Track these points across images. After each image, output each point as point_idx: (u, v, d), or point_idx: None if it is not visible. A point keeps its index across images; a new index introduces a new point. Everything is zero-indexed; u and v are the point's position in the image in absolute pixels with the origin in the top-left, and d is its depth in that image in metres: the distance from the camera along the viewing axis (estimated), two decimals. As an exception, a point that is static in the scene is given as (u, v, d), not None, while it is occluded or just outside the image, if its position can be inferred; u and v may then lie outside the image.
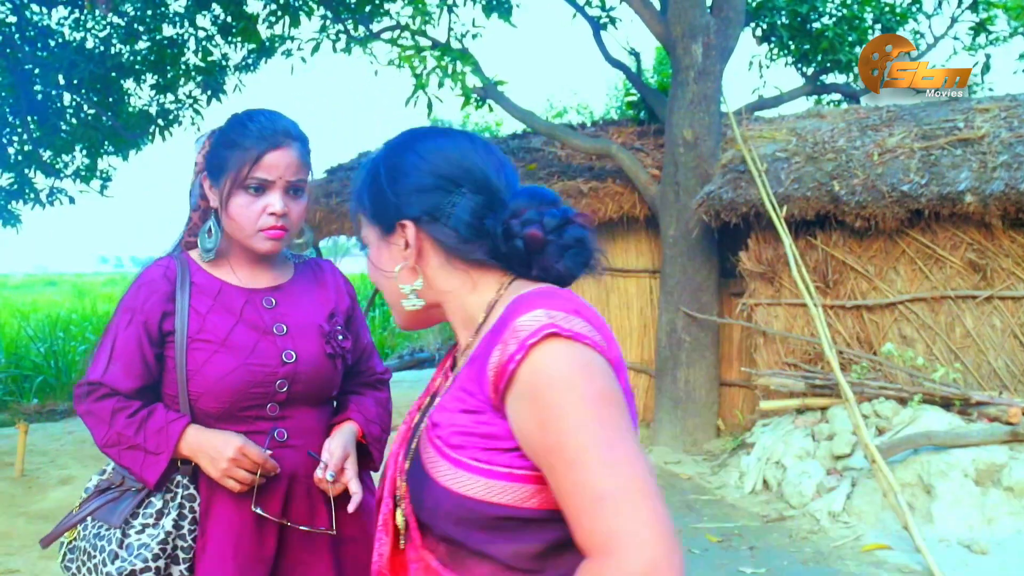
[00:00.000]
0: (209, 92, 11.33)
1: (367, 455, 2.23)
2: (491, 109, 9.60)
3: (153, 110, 11.51)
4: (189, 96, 11.53)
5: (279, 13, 9.75)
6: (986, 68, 10.79)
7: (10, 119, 11.11)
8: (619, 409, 1.20)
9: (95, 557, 2.05)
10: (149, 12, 10.60)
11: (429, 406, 1.44)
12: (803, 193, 7.27)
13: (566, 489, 1.16)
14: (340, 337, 2.17)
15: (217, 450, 2.02)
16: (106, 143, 11.58)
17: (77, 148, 11.80)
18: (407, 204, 1.40)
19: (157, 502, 2.07)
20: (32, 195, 11.55)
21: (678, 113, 8.29)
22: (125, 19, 10.91)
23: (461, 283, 1.41)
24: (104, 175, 12.14)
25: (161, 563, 2.02)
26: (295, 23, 9.72)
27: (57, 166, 11.85)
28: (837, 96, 11.62)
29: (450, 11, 9.70)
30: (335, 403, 2.30)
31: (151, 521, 2.05)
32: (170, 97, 11.56)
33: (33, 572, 5.16)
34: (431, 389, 1.50)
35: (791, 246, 7.10)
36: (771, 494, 6.57)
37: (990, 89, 10.83)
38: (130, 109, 11.80)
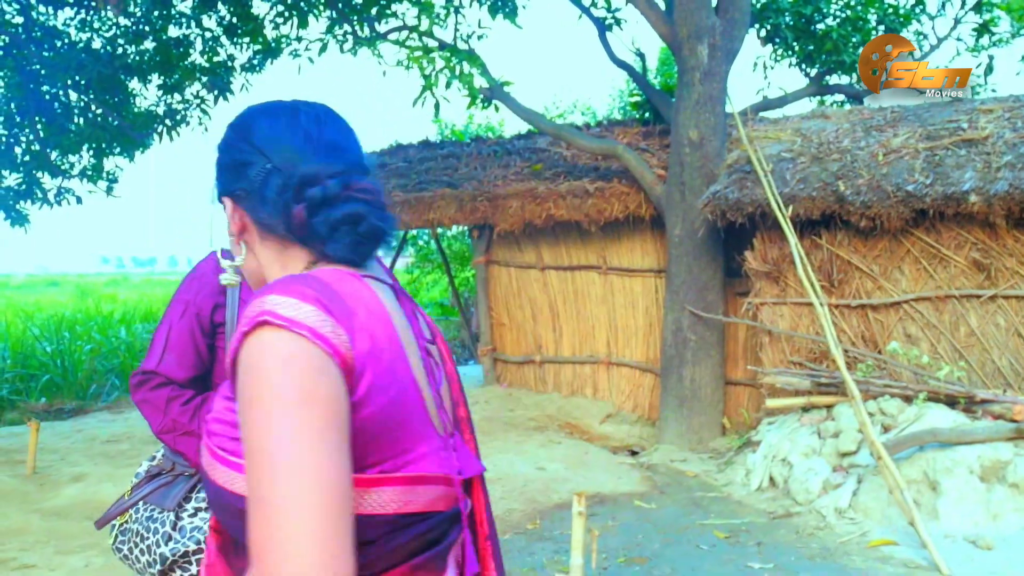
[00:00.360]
0: (216, 92, 11.37)
1: None
2: (497, 109, 9.66)
3: (161, 110, 11.56)
4: (196, 96, 11.58)
5: (287, 14, 9.80)
6: (989, 69, 10.84)
7: (18, 119, 11.18)
8: (318, 412, 1.09)
9: (148, 539, 2.14)
10: (155, 13, 10.65)
11: None
12: (808, 193, 7.33)
13: (248, 486, 1.10)
14: None
15: None
16: (113, 143, 11.62)
17: (84, 148, 11.86)
18: (226, 180, 1.38)
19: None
20: (40, 195, 11.61)
21: (684, 114, 8.34)
22: (131, 19, 10.97)
23: (275, 260, 1.36)
24: (111, 175, 12.20)
25: None
26: (303, 24, 9.78)
27: (63, 166, 11.91)
28: (840, 97, 11.67)
29: (456, 12, 9.76)
30: None
31: (203, 505, 2.15)
32: (177, 97, 11.60)
33: (49, 567, 5.21)
34: None
35: (797, 246, 7.16)
36: (777, 491, 6.63)
37: (993, 90, 10.89)
38: (136, 109, 11.88)
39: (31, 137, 11.25)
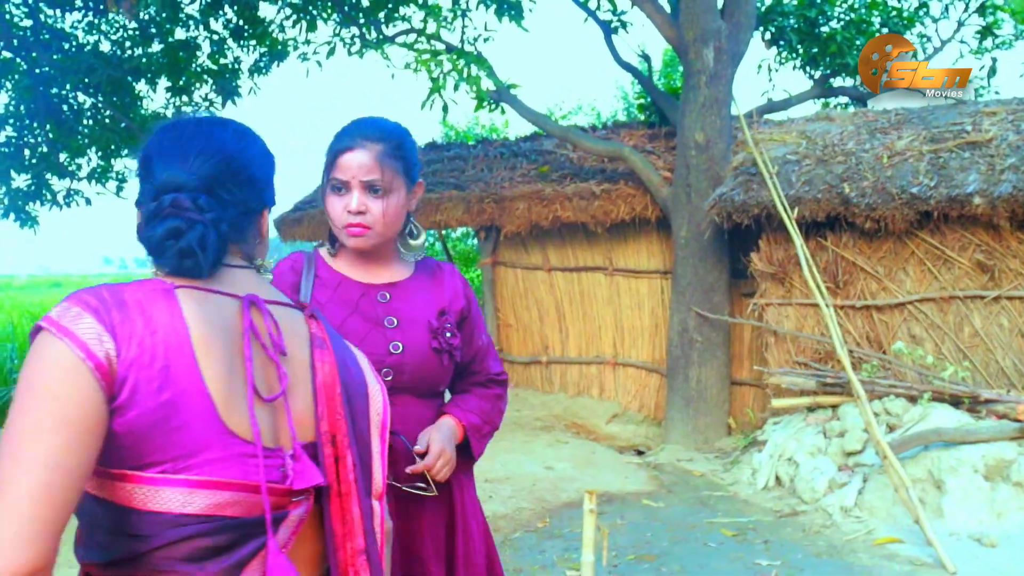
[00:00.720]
0: (224, 95, 11.46)
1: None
2: (503, 112, 9.74)
3: (169, 112, 11.64)
4: (205, 99, 11.67)
5: (296, 18, 9.89)
6: (992, 72, 10.92)
7: (27, 121, 11.27)
8: (56, 412, 1.18)
9: None
10: (163, 15, 10.73)
11: None
12: (814, 195, 7.41)
13: None
14: (448, 334, 2.30)
15: None
16: (122, 145, 11.70)
17: (92, 150, 11.95)
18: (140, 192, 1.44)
19: None
20: (49, 196, 11.70)
21: (690, 116, 8.42)
22: (139, 22, 11.05)
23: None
24: (120, 176, 12.29)
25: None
26: (312, 28, 9.86)
27: (71, 168, 11.99)
28: (844, 99, 11.74)
29: (463, 15, 9.84)
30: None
31: None
32: (185, 99, 11.68)
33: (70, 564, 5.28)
34: None
35: (802, 247, 7.23)
36: (783, 490, 6.70)
37: (996, 92, 10.98)
38: (143, 111, 11.97)
39: (40, 139, 11.34)
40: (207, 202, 1.37)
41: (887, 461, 5.82)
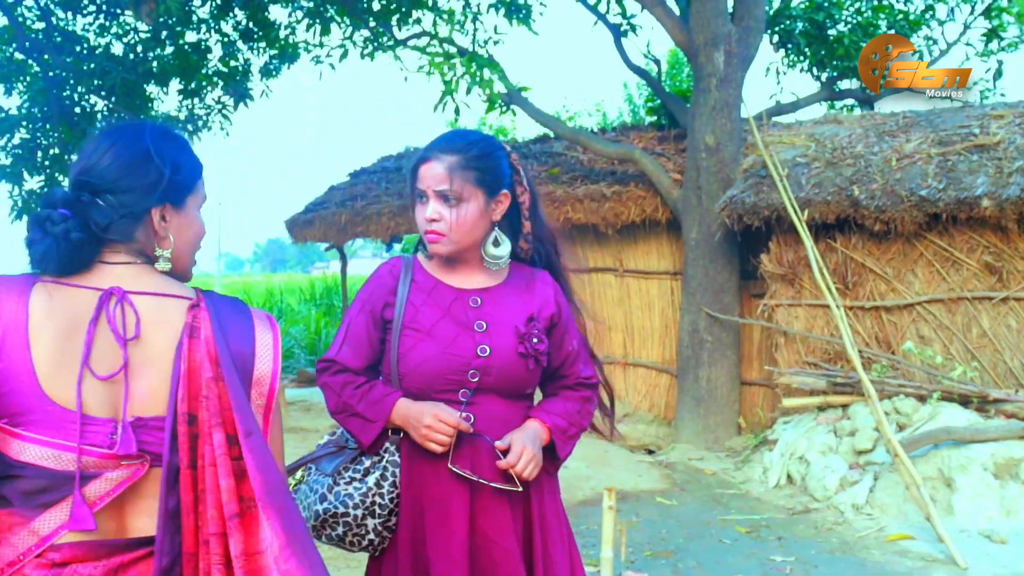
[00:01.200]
0: (236, 97, 11.56)
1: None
2: (514, 114, 9.85)
3: (183, 115, 11.75)
4: (217, 102, 11.77)
5: (310, 22, 9.99)
6: (998, 74, 11.02)
7: (40, 123, 11.36)
8: None
9: (309, 496, 2.44)
10: (173, 19, 10.82)
11: None
12: (824, 197, 7.51)
13: None
14: (535, 340, 2.37)
15: (418, 417, 2.30)
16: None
17: (103, 151, 12.01)
18: None
19: (366, 461, 2.43)
20: (62, 198, 11.76)
21: (700, 119, 8.52)
22: (150, 25, 11.14)
23: None
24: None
25: (359, 512, 2.38)
26: (326, 31, 9.97)
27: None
28: (850, 101, 11.83)
29: (474, 19, 9.95)
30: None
31: (358, 476, 2.42)
32: (199, 102, 11.79)
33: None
34: None
35: (813, 249, 7.33)
36: (795, 488, 6.81)
37: (1002, 95, 11.07)
38: (153, 113, 12.06)
39: (52, 141, 11.43)
40: (60, 215, 1.62)
41: (898, 459, 5.92)
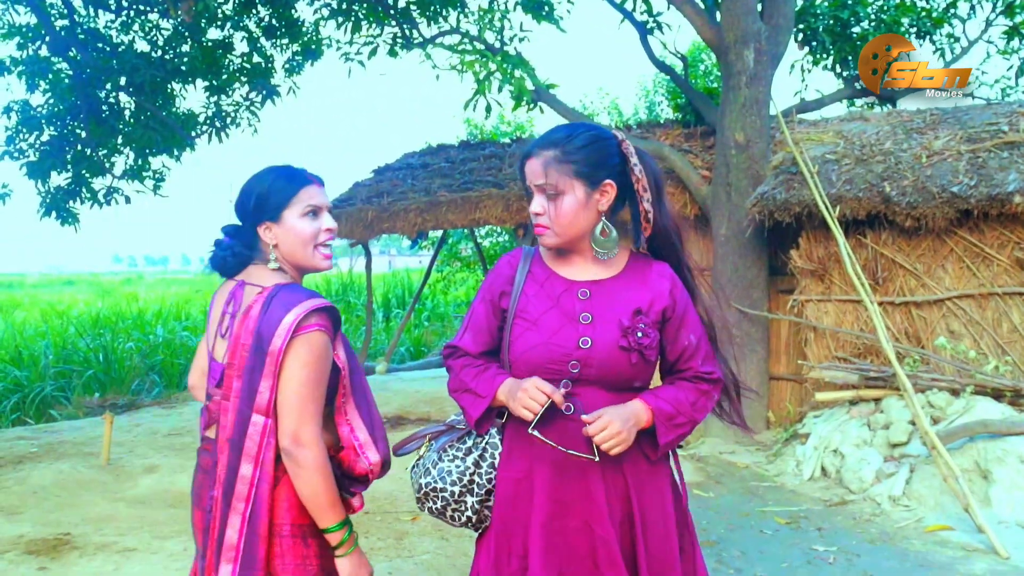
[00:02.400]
0: (263, 94, 11.64)
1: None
2: (542, 111, 9.92)
3: (210, 112, 11.84)
4: (245, 99, 11.86)
5: (341, 20, 10.08)
6: (1020, 71, 11.08)
7: (68, 120, 11.45)
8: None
9: (417, 469, 2.61)
10: (208, 15, 10.89)
11: None
12: (854, 194, 7.58)
13: None
14: (639, 334, 2.37)
15: (518, 386, 2.36)
16: (160, 143, 11.86)
17: (128, 148, 12.13)
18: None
19: (468, 441, 2.57)
20: (89, 195, 11.88)
21: (730, 117, 8.60)
22: (175, 23, 11.23)
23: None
24: (158, 175, 12.47)
25: (457, 489, 2.52)
26: (357, 28, 10.06)
27: (108, 165, 12.14)
28: (872, 99, 11.88)
29: (503, 17, 10.03)
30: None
31: (460, 455, 2.56)
32: (226, 99, 11.88)
33: (150, 550, 5.49)
34: None
35: (845, 245, 7.41)
36: (830, 480, 6.90)
37: (1024, 92, 11.13)
38: (176, 110, 12.15)
39: (80, 137, 11.51)
40: (229, 241, 2.54)
41: (935, 452, 6.01)
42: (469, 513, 2.53)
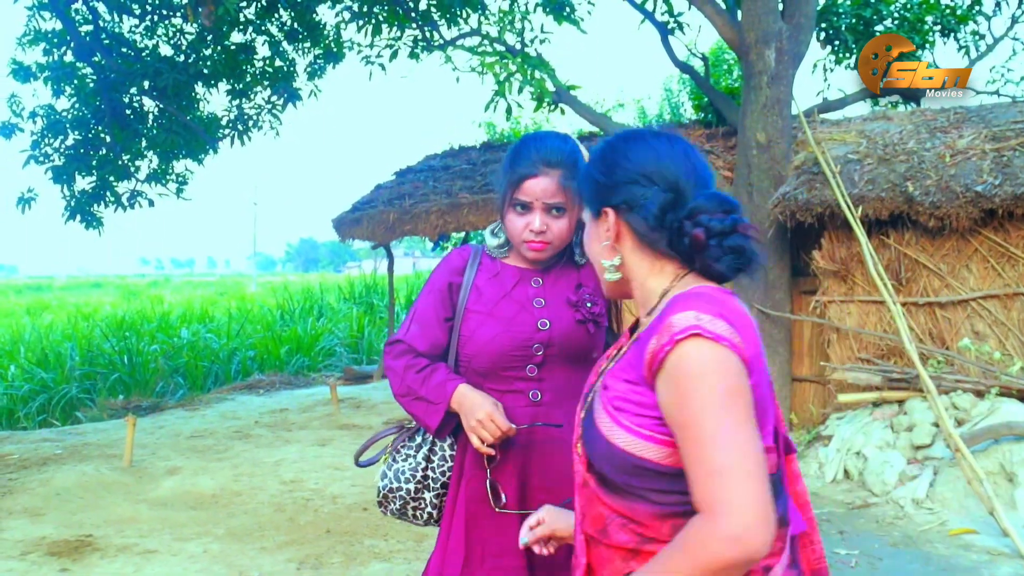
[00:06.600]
0: (286, 97, 11.69)
1: None
2: (563, 112, 9.91)
3: (232, 115, 11.91)
4: (268, 102, 11.93)
5: (361, 23, 10.11)
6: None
7: (92, 124, 11.55)
8: (742, 401, 1.46)
9: (378, 477, 2.62)
10: (229, 20, 10.96)
11: (605, 369, 1.75)
12: (877, 194, 7.52)
13: (690, 459, 1.45)
14: (588, 304, 2.50)
15: (473, 408, 2.39)
16: (183, 147, 11.94)
17: (151, 152, 12.23)
18: (611, 194, 1.72)
19: (418, 438, 2.61)
20: (113, 198, 11.97)
21: (751, 117, 8.55)
22: (198, 27, 11.30)
23: (647, 267, 1.71)
24: (181, 178, 12.56)
25: (412, 486, 2.55)
26: (377, 31, 10.08)
27: (132, 169, 12.24)
28: (895, 98, 11.81)
29: (523, 19, 10.03)
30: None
31: (412, 452, 2.60)
32: (247, 102, 11.95)
33: (170, 552, 5.52)
34: (609, 355, 1.83)
35: (867, 245, 7.35)
36: (852, 483, 6.84)
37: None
38: (199, 114, 12.24)
39: (105, 141, 11.60)
40: (750, 224, 1.69)
41: (959, 454, 5.95)
42: (429, 509, 2.58)
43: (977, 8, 11.08)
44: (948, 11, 10.80)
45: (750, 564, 1.39)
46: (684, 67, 10.35)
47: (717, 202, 1.64)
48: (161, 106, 11.54)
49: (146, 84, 10.90)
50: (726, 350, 1.47)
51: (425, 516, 2.58)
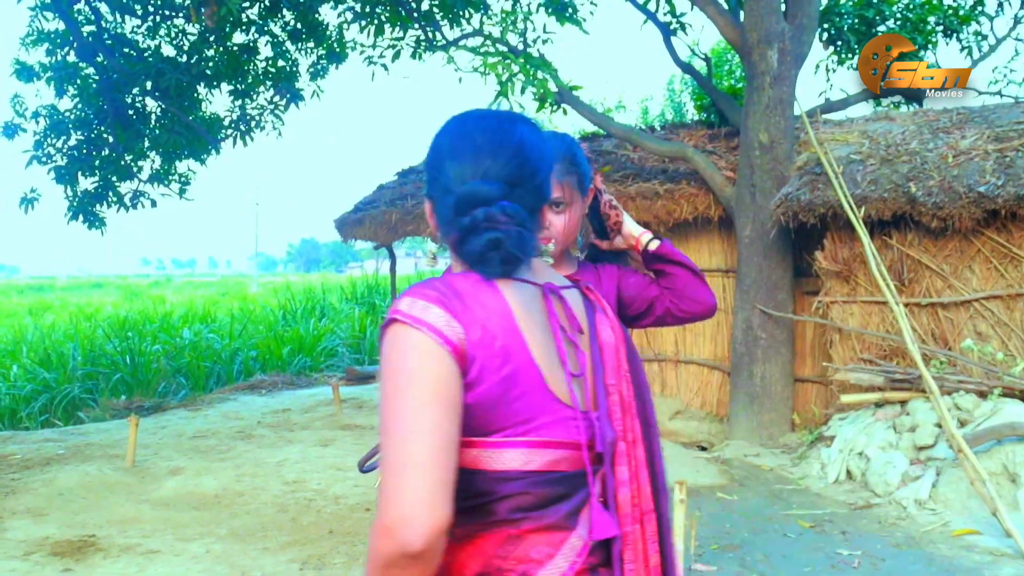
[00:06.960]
0: (288, 97, 11.70)
1: None
2: (565, 113, 9.91)
3: (235, 115, 11.91)
4: (270, 102, 11.93)
5: (364, 23, 10.11)
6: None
7: (95, 124, 11.55)
8: (426, 389, 1.36)
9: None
10: (232, 20, 10.96)
11: None
12: (880, 194, 7.52)
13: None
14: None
15: None
16: (185, 147, 11.95)
17: (154, 152, 12.24)
18: (427, 182, 1.66)
19: None
20: (115, 198, 11.97)
21: (753, 117, 8.55)
22: (197, 28, 11.31)
23: (454, 261, 1.63)
24: (183, 178, 12.56)
25: None
26: (380, 32, 10.08)
27: (135, 169, 12.24)
28: (897, 98, 11.80)
29: (526, 19, 10.03)
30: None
31: None
32: (249, 102, 11.95)
33: (173, 552, 5.52)
34: None
35: (870, 246, 7.35)
36: (855, 484, 6.84)
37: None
38: (202, 114, 12.23)
39: (108, 141, 11.61)
40: (513, 209, 1.54)
41: (962, 455, 5.94)
42: None
43: (980, 8, 11.07)
44: (951, 11, 10.79)
45: (407, 557, 1.29)
46: (686, 68, 10.35)
47: (480, 188, 1.53)
48: (164, 106, 11.53)
49: (149, 84, 10.90)
50: (422, 335, 1.40)
51: None
